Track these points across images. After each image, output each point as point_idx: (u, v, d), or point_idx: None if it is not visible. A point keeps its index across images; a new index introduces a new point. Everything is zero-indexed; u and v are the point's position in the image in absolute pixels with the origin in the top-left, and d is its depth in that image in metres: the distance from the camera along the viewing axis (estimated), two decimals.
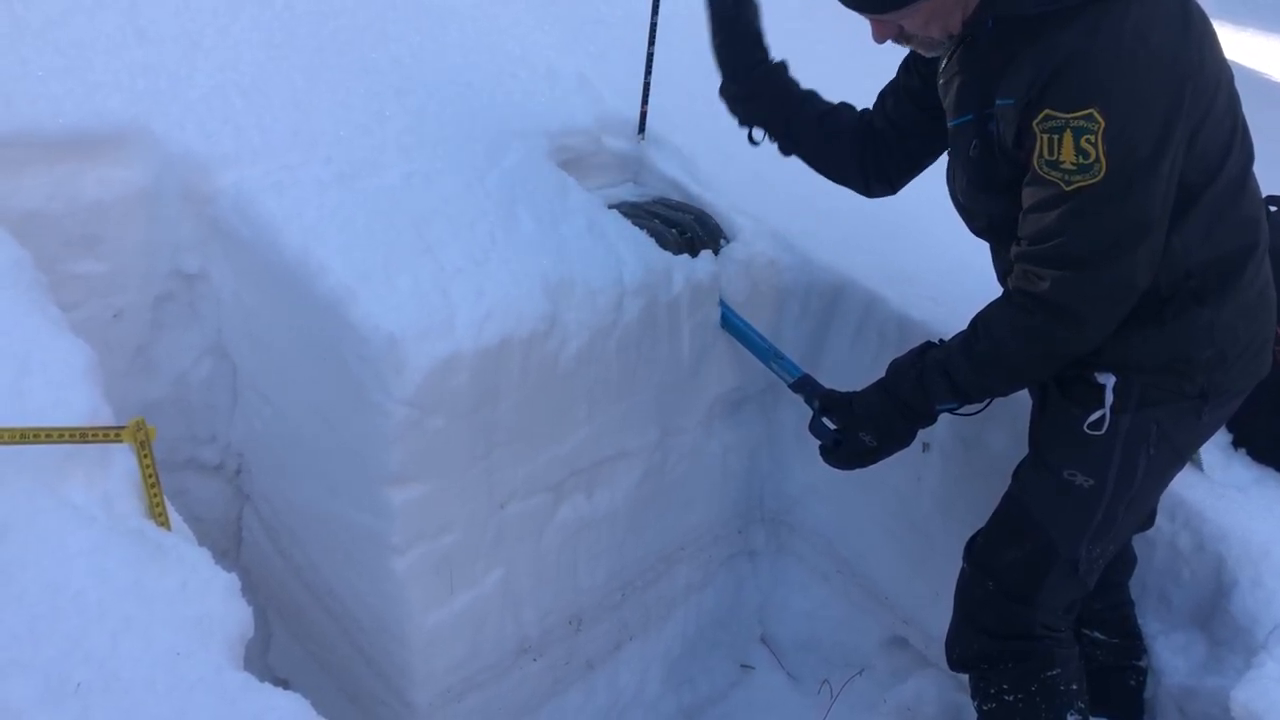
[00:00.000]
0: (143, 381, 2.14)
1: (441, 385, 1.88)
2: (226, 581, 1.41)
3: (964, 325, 1.93)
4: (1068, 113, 1.57)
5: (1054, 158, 1.60)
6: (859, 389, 2.02)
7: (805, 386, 2.21)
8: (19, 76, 1.92)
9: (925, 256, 2.69)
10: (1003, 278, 1.94)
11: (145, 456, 1.48)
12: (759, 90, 2.15)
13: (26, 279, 1.68)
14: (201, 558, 1.43)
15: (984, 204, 1.85)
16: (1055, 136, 1.59)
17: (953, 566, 2.50)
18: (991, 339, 1.81)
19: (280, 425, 2.16)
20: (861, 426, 1.98)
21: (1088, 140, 1.57)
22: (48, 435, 1.40)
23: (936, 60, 1.89)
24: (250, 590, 2.28)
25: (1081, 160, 1.58)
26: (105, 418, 1.51)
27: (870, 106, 2.17)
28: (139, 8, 2.19)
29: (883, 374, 1.98)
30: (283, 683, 2.36)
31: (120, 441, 1.47)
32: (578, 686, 2.49)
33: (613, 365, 2.23)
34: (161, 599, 1.33)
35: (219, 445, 2.25)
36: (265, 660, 2.44)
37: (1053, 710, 1.96)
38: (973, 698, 2.06)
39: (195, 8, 2.29)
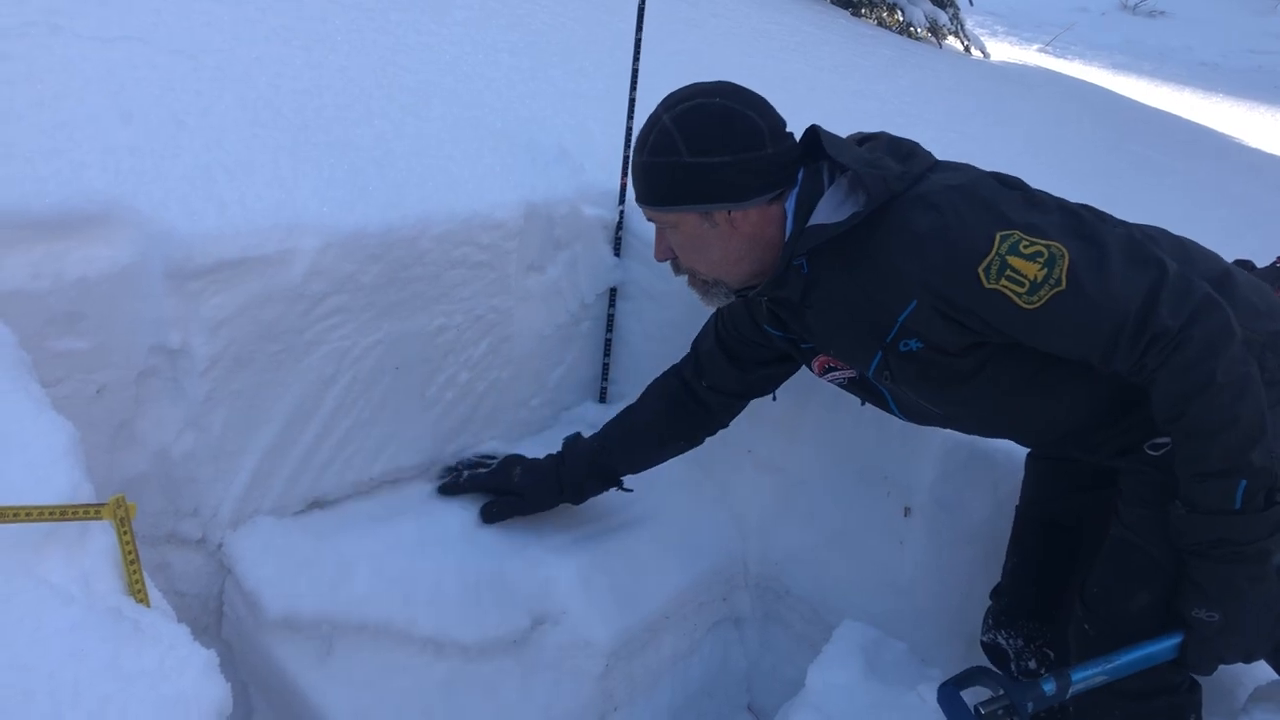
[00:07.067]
0: (125, 456, 2.13)
1: None
2: (205, 658, 1.39)
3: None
4: (990, 251, 1.57)
5: (1027, 283, 1.56)
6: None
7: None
8: (5, 159, 1.94)
9: None
10: (1062, 422, 1.83)
11: (125, 533, 1.47)
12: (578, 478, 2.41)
13: (8, 358, 1.69)
14: (180, 634, 1.41)
15: (971, 390, 1.78)
16: (1007, 271, 1.57)
17: (937, 630, 2.50)
18: (1243, 404, 1.55)
19: None
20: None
21: (1025, 246, 1.57)
22: (27, 514, 1.40)
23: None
24: (231, 665, 2.26)
25: (1042, 260, 1.56)
26: (86, 495, 1.50)
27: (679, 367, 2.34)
28: (125, 90, 2.23)
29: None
30: None
31: (100, 519, 1.46)
32: None
33: None
34: (139, 678, 1.32)
35: (201, 519, 2.25)
36: None
37: None
38: None
39: (180, 89, 2.33)
